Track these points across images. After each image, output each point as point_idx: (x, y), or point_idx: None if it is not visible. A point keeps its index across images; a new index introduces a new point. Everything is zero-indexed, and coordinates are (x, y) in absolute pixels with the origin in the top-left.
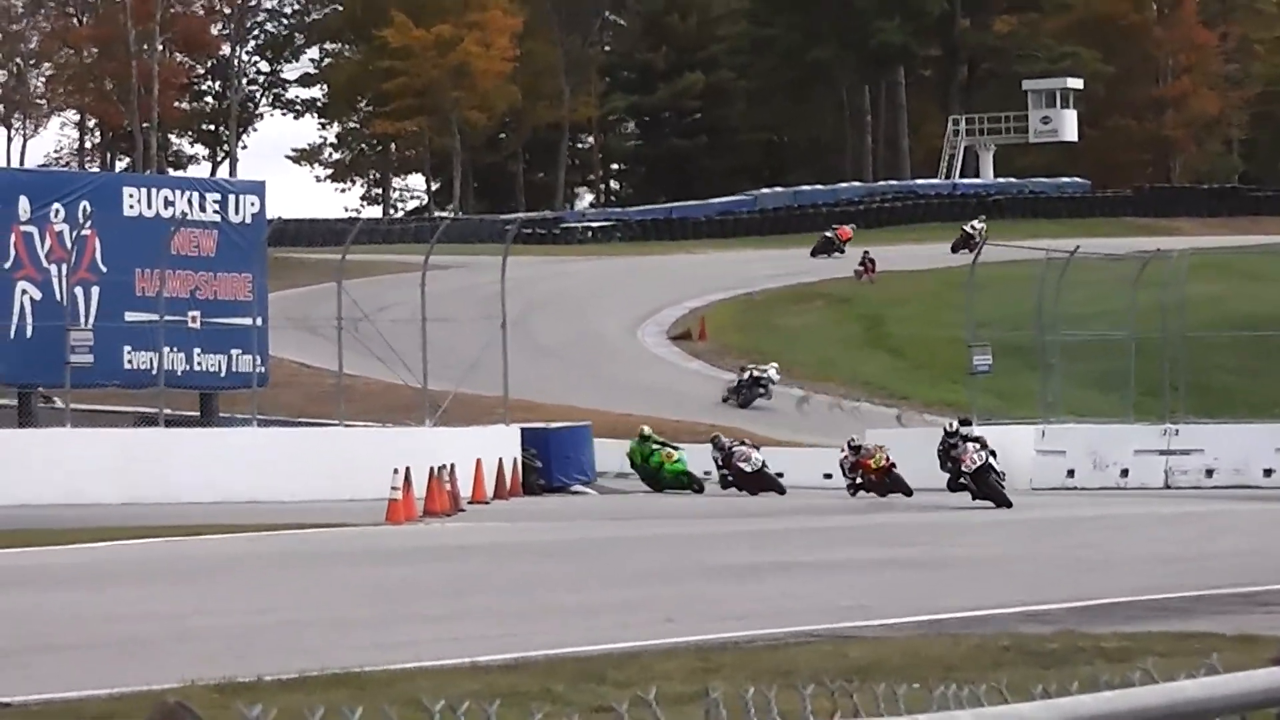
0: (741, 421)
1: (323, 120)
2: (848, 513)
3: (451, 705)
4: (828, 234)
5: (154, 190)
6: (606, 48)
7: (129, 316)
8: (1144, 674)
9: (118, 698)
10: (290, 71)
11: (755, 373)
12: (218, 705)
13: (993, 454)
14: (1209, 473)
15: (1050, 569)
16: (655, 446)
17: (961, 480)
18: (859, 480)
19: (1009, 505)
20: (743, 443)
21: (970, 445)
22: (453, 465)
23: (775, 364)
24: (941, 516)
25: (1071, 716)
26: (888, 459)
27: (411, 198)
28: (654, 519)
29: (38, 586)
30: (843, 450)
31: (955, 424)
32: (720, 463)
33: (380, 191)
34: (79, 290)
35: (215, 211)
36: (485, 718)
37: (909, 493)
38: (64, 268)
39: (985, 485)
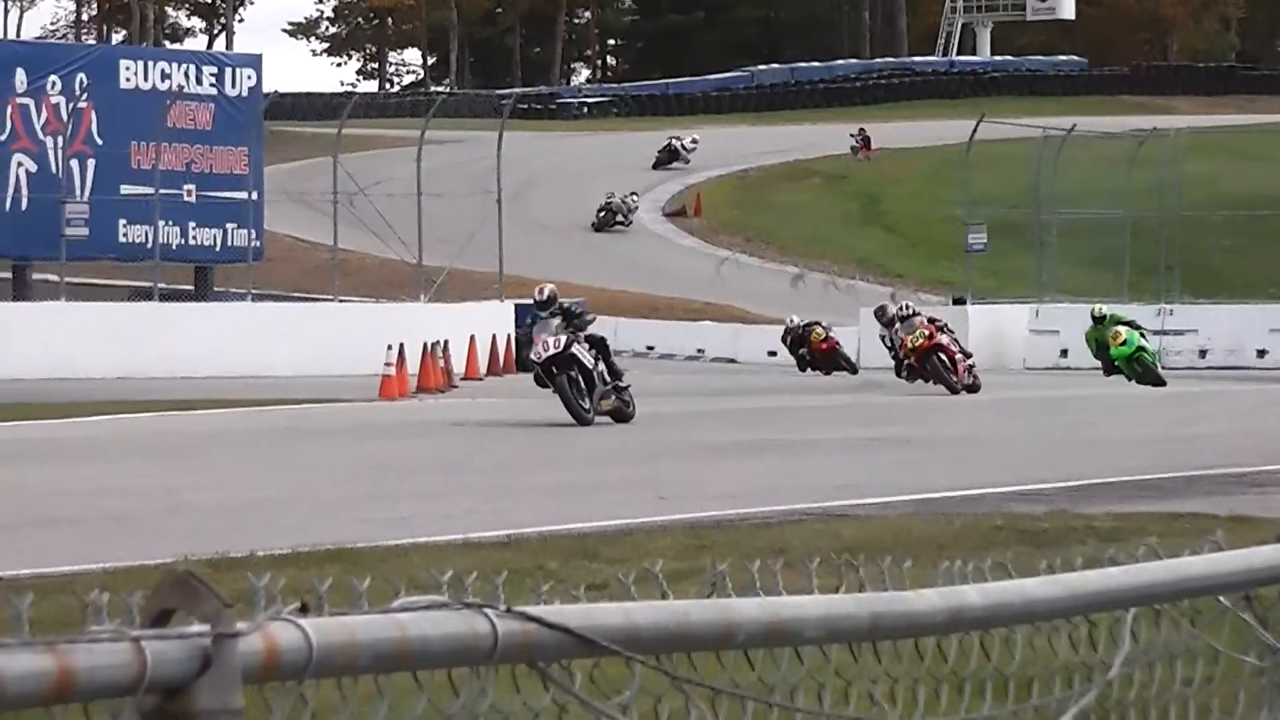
0: (737, 299)
1: None
2: (842, 391)
3: (460, 577)
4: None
5: (150, 63)
6: None
7: (124, 189)
8: (1148, 550)
9: (110, 571)
10: None
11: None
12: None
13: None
14: (1203, 353)
15: (1042, 449)
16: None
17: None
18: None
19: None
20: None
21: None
22: (446, 341)
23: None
24: (933, 398)
25: (1078, 592)
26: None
27: (407, 72)
28: (648, 396)
29: (30, 461)
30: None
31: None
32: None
33: (376, 66)
34: (75, 163)
35: (212, 85)
36: (493, 589)
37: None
38: (60, 140)
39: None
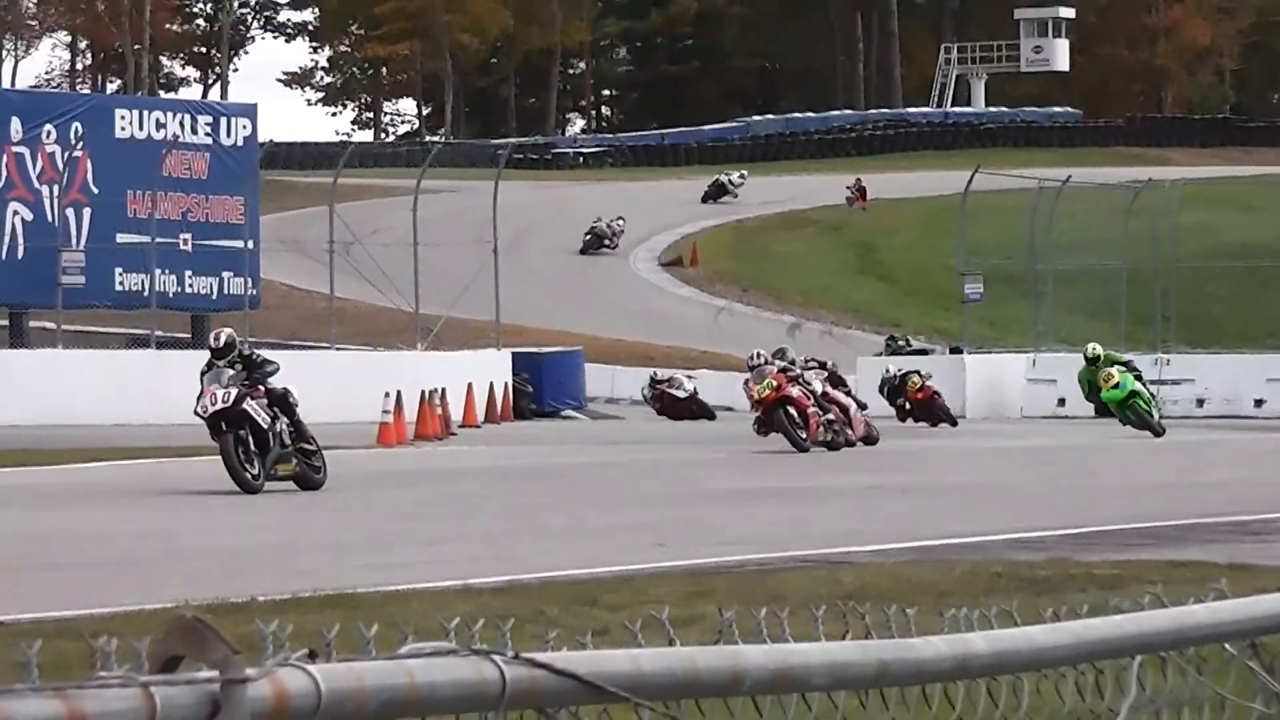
0: (734, 347)
1: (314, 44)
2: None
3: (466, 623)
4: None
5: (146, 112)
6: None
7: (120, 238)
8: (1153, 598)
9: (109, 616)
10: None
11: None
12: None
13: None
14: (1200, 402)
15: (1041, 497)
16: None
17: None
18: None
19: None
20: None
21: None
22: (444, 389)
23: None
24: (931, 444)
25: (1084, 639)
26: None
27: (403, 122)
28: (645, 444)
29: (30, 506)
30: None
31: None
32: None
33: (372, 115)
34: (70, 211)
35: (207, 134)
36: (500, 636)
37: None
38: (56, 189)
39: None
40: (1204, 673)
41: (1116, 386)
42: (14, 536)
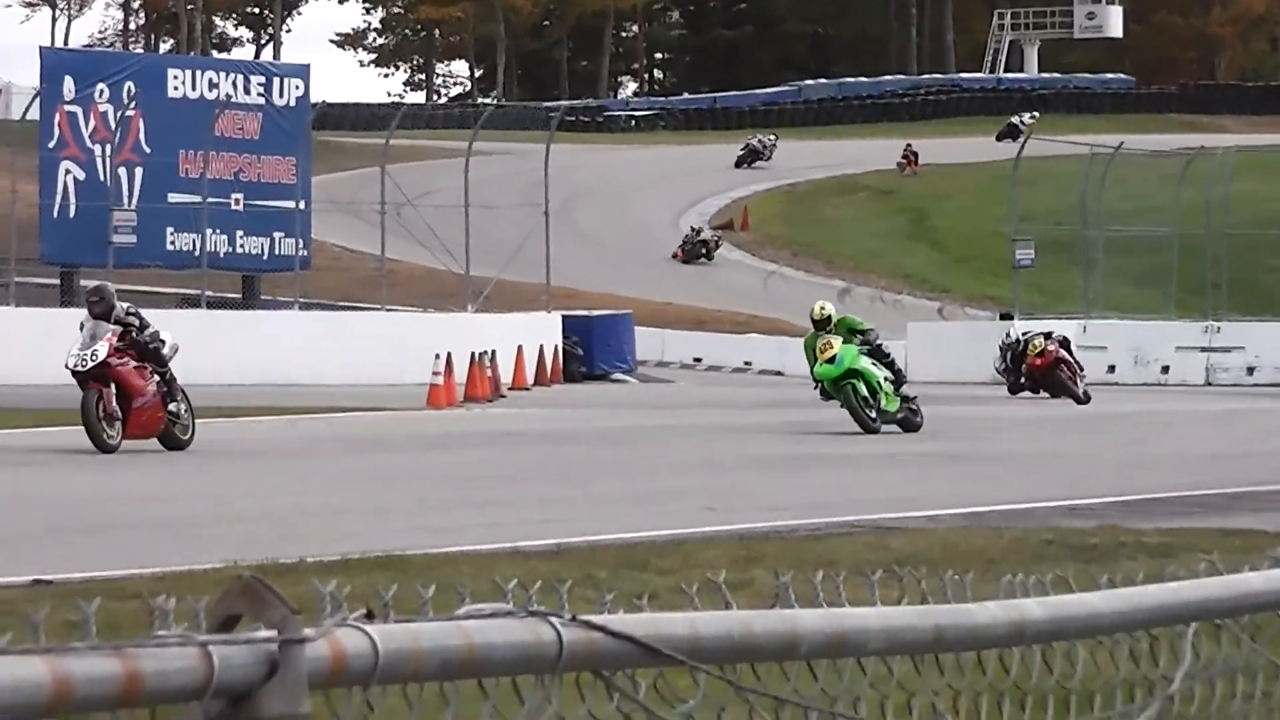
0: (784, 312)
1: (367, 4)
2: None
3: (523, 585)
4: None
5: (199, 72)
6: None
7: (172, 198)
8: (1208, 565)
9: (159, 577)
10: None
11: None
12: None
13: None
14: (1250, 370)
15: (1092, 464)
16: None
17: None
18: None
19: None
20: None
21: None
22: (494, 351)
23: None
24: (984, 410)
25: (1138, 606)
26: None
27: (455, 84)
28: (695, 408)
29: (79, 467)
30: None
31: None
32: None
33: (424, 77)
34: (122, 171)
35: (260, 94)
36: (557, 598)
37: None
38: (108, 148)
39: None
40: (1259, 640)
41: (831, 361)
42: (59, 498)
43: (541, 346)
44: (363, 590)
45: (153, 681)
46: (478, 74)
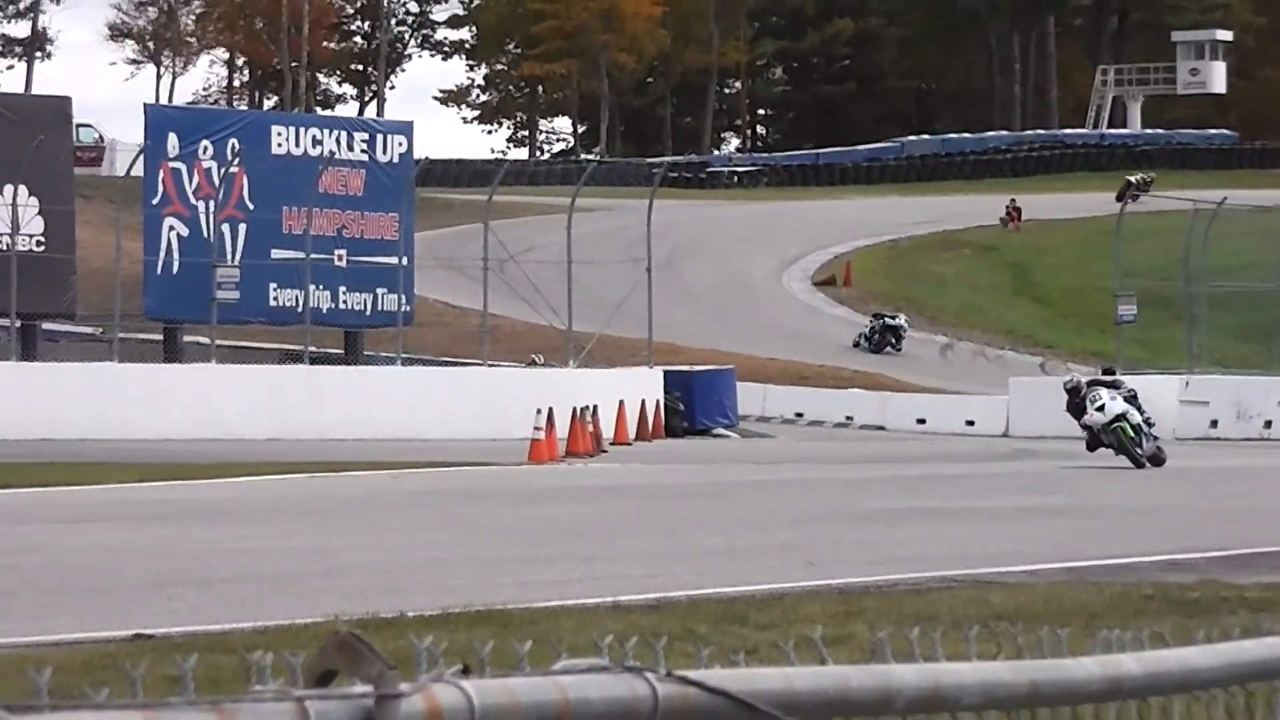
0: (886, 368)
1: (471, 61)
2: (993, 460)
3: (619, 640)
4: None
5: (302, 129)
6: None
7: (275, 254)
8: None
9: (261, 631)
10: (439, 12)
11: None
12: None
13: (1131, 399)
14: None
15: (1194, 519)
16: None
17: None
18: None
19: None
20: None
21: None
22: (595, 406)
23: (904, 315)
24: (1086, 465)
25: (1234, 661)
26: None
27: (558, 140)
28: (797, 463)
29: (184, 521)
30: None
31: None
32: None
33: (527, 134)
34: (226, 227)
35: (363, 151)
36: (653, 653)
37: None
38: (211, 204)
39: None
40: None
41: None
42: (167, 552)
43: (643, 401)
44: (462, 645)
45: None
46: (581, 130)
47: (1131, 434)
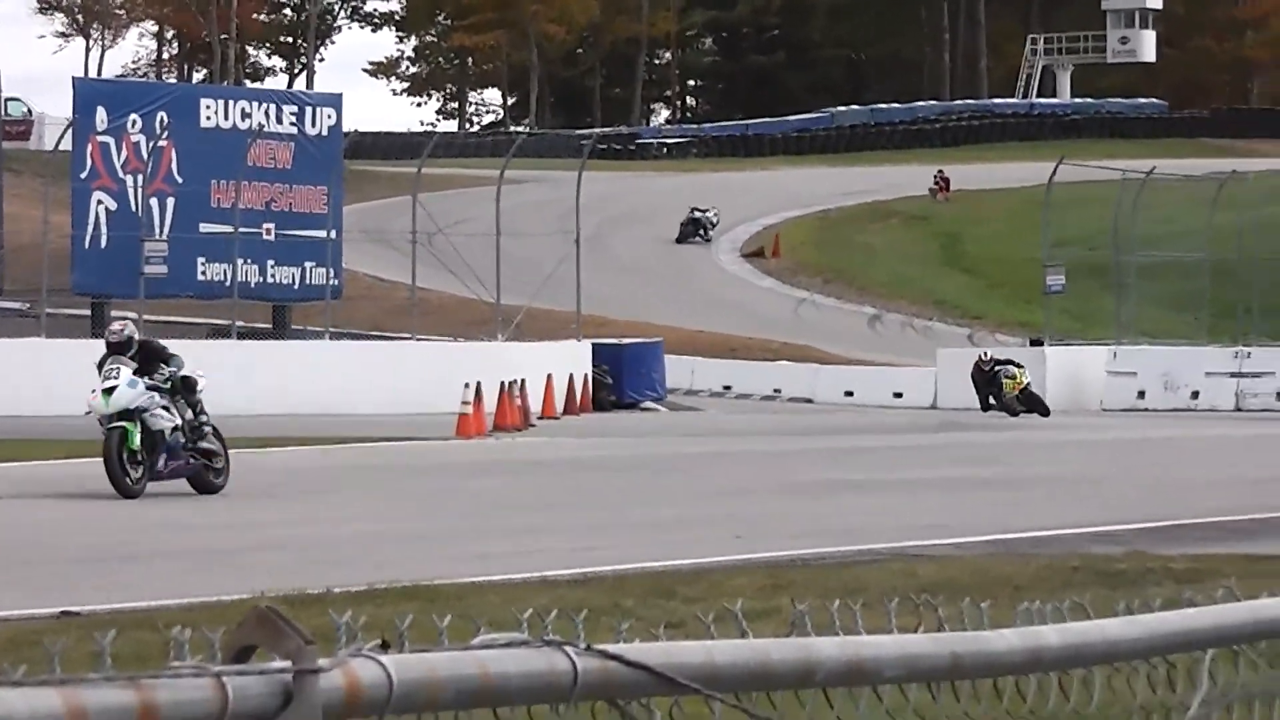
0: (814, 339)
1: (400, 33)
2: (921, 431)
3: (540, 615)
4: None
5: (231, 102)
6: None
7: (204, 228)
8: (1226, 591)
9: (188, 608)
10: None
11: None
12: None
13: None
14: None
15: (1120, 490)
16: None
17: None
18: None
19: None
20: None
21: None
22: (524, 380)
23: (715, 209)
24: (1014, 436)
25: (1156, 633)
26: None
27: (487, 112)
28: (726, 436)
29: (113, 497)
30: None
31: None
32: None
33: (456, 105)
34: (154, 201)
35: (292, 124)
36: (572, 627)
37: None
38: (140, 178)
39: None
40: (1277, 666)
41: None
42: (99, 527)
43: (571, 375)
44: (387, 620)
45: (167, 712)
46: (510, 102)
47: None
